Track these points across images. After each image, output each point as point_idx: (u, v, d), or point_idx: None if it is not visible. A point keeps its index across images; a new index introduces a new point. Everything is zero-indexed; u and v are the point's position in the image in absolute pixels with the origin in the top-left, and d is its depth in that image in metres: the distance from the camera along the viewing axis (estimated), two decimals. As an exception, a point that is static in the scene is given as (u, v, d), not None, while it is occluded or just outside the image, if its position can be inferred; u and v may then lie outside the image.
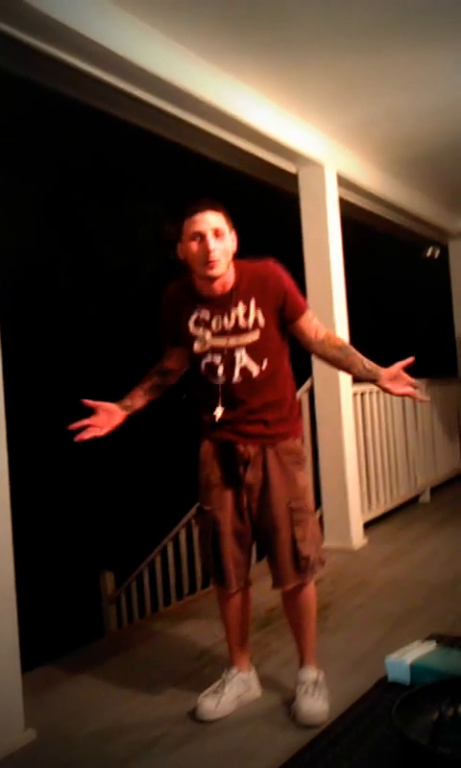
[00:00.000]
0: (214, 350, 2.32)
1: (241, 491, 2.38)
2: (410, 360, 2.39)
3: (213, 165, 4.37)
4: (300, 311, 2.37)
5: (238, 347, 2.31)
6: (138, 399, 2.47)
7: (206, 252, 2.21)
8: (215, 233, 2.23)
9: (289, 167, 4.55)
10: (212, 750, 2.24)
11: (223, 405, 2.33)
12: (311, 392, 4.79)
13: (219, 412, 2.33)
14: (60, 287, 8.81)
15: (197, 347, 2.35)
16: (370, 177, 5.19)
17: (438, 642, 2.64)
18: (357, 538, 4.72)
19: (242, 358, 2.31)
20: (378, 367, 2.41)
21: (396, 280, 8.96)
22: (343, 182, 4.87)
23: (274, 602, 3.62)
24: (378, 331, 7.43)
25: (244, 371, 2.32)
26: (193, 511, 4.40)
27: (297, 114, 4.19)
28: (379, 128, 4.53)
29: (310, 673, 2.48)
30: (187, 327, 2.36)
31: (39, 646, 2.74)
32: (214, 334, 2.32)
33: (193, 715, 2.44)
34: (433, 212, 6.38)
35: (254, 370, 2.32)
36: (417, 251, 7.15)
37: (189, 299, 2.36)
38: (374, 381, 2.40)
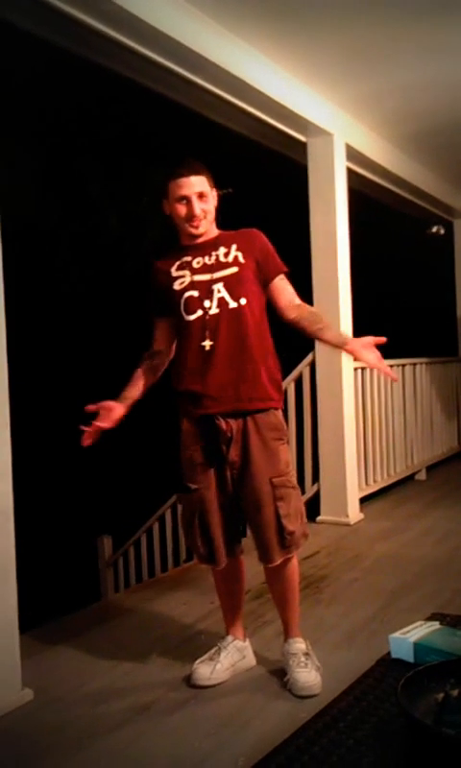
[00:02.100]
0: (194, 285, 2.38)
1: (224, 468, 2.38)
2: (383, 339, 2.44)
3: (222, 132, 4.30)
4: (279, 269, 2.48)
5: (216, 280, 2.37)
6: (135, 389, 2.48)
7: (191, 214, 2.37)
8: (199, 196, 2.37)
9: (298, 136, 4.49)
10: (206, 716, 2.25)
11: (210, 339, 2.34)
12: (313, 366, 4.77)
13: (208, 343, 2.34)
14: (60, 256, 8.73)
15: (177, 286, 2.40)
16: (378, 149, 5.13)
17: (441, 622, 2.63)
18: (354, 512, 4.73)
19: (219, 290, 2.36)
20: (346, 335, 2.59)
21: (399, 256, 8.89)
22: (351, 154, 4.81)
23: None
24: (379, 307, 7.39)
25: (221, 302, 2.36)
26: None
27: (307, 83, 4.12)
28: (390, 100, 4.47)
29: (299, 644, 2.49)
30: (170, 275, 2.43)
31: (37, 608, 2.74)
32: (195, 271, 2.40)
33: (188, 681, 2.45)
34: (440, 189, 6.32)
35: (231, 302, 2.36)
36: (422, 227, 7.09)
37: (175, 256, 2.46)
38: (342, 345, 2.50)
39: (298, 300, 2.52)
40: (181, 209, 2.38)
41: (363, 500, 5.00)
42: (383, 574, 3.62)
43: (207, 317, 2.35)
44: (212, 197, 2.43)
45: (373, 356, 2.43)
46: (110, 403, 2.42)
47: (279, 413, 2.46)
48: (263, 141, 4.57)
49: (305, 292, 4.57)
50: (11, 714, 2.33)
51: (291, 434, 4.82)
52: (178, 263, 2.45)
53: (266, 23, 3.39)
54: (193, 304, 2.38)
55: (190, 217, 2.38)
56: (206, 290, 2.37)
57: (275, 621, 2.98)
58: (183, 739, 2.12)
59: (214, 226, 2.47)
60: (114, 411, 2.40)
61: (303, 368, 4.80)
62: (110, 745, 2.12)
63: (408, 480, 5.98)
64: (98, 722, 2.25)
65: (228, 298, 2.36)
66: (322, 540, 4.28)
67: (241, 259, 2.40)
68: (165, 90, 3.72)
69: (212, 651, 2.53)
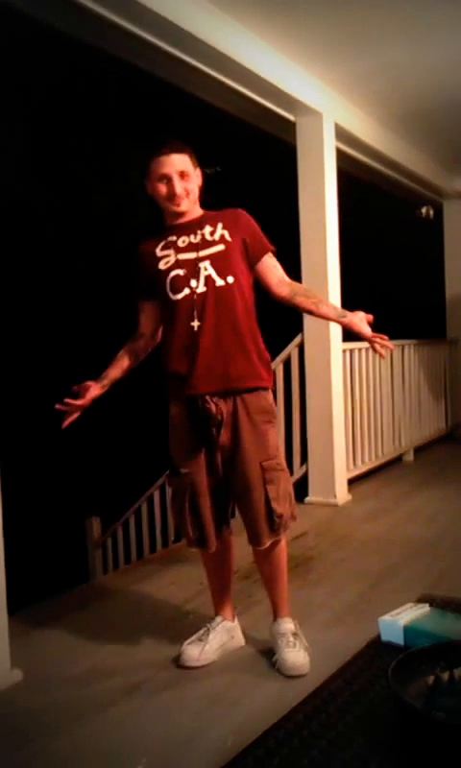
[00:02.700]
0: (180, 264, 2.35)
1: (214, 451, 2.37)
2: (371, 317, 2.50)
3: (211, 111, 4.26)
4: (267, 248, 2.46)
5: (203, 258, 2.34)
6: (115, 370, 2.48)
7: (171, 192, 2.35)
8: (181, 175, 2.34)
9: (288, 115, 4.45)
10: (195, 696, 2.26)
11: (198, 319, 2.32)
12: (301, 347, 4.76)
13: (196, 323, 2.31)
14: (47, 233, 8.64)
15: (162, 265, 2.37)
16: (368, 129, 5.10)
17: (431, 604, 2.64)
18: (341, 494, 4.75)
19: (206, 268, 2.33)
20: (341, 308, 2.59)
21: (388, 237, 8.87)
22: (341, 134, 4.77)
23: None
24: (367, 288, 7.37)
25: (208, 280, 2.33)
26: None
27: (297, 62, 4.08)
28: (381, 80, 4.43)
29: (288, 624, 2.49)
30: (155, 255, 2.40)
31: (26, 589, 2.74)
32: (180, 250, 2.37)
33: (176, 662, 2.46)
34: (429, 170, 6.29)
35: (218, 280, 2.33)
36: (411, 209, 7.07)
37: (160, 237, 2.44)
38: (341, 318, 2.52)
39: (288, 279, 2.50)
40: (163, 188, 2.36)
41: (351, 481, 5.02)
42: (371, 555, 3.65)
43: (195, 296, 2.32)
44: (195, 176, 2.40)
45: (370, 330, 2.48)
46: (88, 383, 2.42)
47: (269, 394, 2.44)
48: (252, 120, 4.53)
49: (294, 273, 4.56)
50: (1, 694, 2.33)
51: (279, 415, 4.83)
52: (162, 243, 2.42)
53: (256, 1, 3.34)
54: (179, 283, 2.34)
55: (171, 196, 2.35)
56: (193, 268, 2.34)
57: (264, 601, 2.98)
58: (172, 719, 2.13)
59: (198, 205, 2.45)
60: (90, 390, 2.40)
61: (291, 349, 4.80)
62: (99, 725, 2.12)
63: (396, 462, 6.01)
64: (87, 702, 2.26)
65: (215, 275, 2.33)
66: (310, 520, 4.30)
67: (228, 237, 2.37)
68: (153, 68, 3.68)
69: (201, 631, 2.53)
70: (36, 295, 8.59)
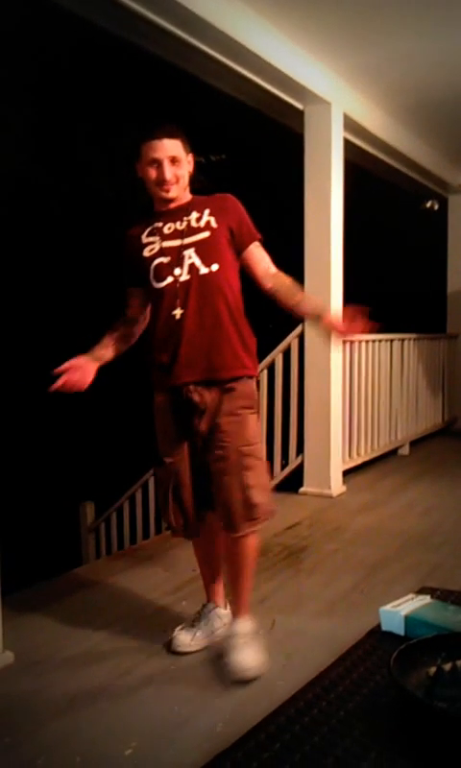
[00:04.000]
0: (164, 252, 2.31)
1: (196, 439, 2.34)
2: (366, 309, 2.37)
3: (219, 97, 4.23)
4: (254, 236, 2.41)
5: (187, 246, 2.30)
6: (108, 350, 2.43)
7: (161, 178, 2.30)
8: (172, 160, 2.30)
9: (296, 103, 4.42)
10: (186, 681, 2.27)
11: (180, 307, 2.27)
12: (301, 338, 4.75)
13: (178, 312, 2.27)
14: (52, 216, 8.60)
15: (147, 253, 2.34)
16: (376, 120, 5.07)
17: (432, 595, 2.66)
18: (336, 485, 4.76)
19: (190, 256, 2.29)
20: (324, 307, 2.53)
21: (391, 230, 8.84)
22: (349, 124, 4.74)
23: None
24: (369, 280, 7.36)
25: (192, 268, 2.28)
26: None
27: (307, 50, 4.05)
28: (390, 71, 4.41)
29: (246, 624, 2.40)
30: (141, 242, 2.37)
31: (18, 573, 2.74)
32: (165, 237, 2.33)
33: (168, 647, 2.47)
34: (436, 164, 6.27)
35: (202, 268, 2.28)
36: (416, 202, 7.05)
37: (147, 223, 2.40)
38: (319, 317, 2.43)
39: (274, 269, 2.45)
40: (152, 173, 2.31)
41: (346, 473, 5.03)
42: (364, 546, 3.65)
43: (178, 284, 2.28)
44: (187, 162, 2.36)
45: (341, 324, 2.36)
46: (81, 361, 2.34)
47: (253, 382, 2.40)
48: (261, 108, 4.50)
49: (297, 262, 4.55)
50: (-8, 675, 2.34)
51: (277, 405, 4.83)
52: (149, 230, 2.38)
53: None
54: (163, 271, 2.31)
55: (160, 181, 2.31)
56: (177, 256, 2.30)
57: (256, 588, 3.00)
58: (163, 704, 2.13)
59: (188, 191, 2.41)
60: (86, 373, 2.32)
61: (291, 339, 4.79)
62: (89, 709, 2.13)
63: (391, 454, 6.01)
64: (78, 686, 2.26)
65: (199, 263, 2.29)
66: (304, 511, 4.31)
67: (214, 224, 2.33)
68: (161, 52, 3.64)
69: (192, 618, 2.54)
70: (36, 278, 8.55)
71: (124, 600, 3.01)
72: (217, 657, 2.40)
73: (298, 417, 4.82)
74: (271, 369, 4.84)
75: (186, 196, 2.40)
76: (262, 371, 4.74)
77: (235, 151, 6.35)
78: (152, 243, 2.35)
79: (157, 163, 2.30)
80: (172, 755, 1.89)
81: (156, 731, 2.00)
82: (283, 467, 4.91)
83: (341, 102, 4.56)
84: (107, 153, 8.17)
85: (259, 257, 2.42)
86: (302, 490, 4.74)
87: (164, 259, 2.30)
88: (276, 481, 4.93)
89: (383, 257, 8.88)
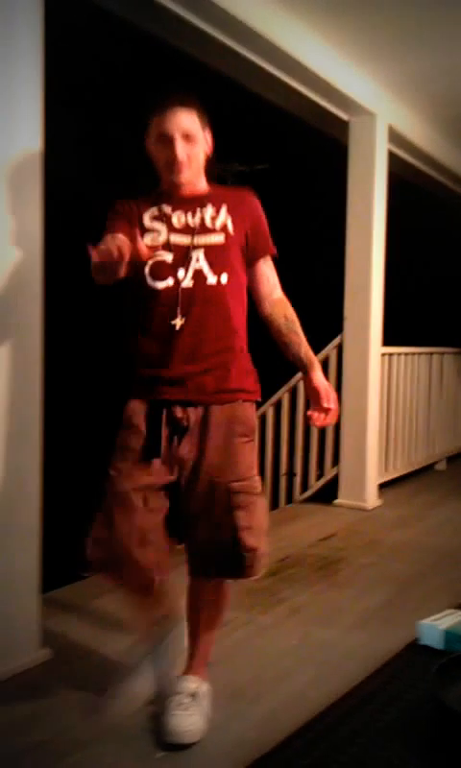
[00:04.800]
0: (170, 247, 1.95)
1: (171, 465, 1.93)
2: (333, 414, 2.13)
3: (266, 106, 4.24)
4: (267, 249, 2.09)
5: (197, 246, 1.95)
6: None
7: (172, 157, 1.93)
8: (185, 137, 1.93)
9: (341, 114, 4.42)
10: (217, 687, 2.22)
11: (181, 316, 1.92)
12: (340, 349, 4.73)
13: (178, 322, 1.91)
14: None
15: (149, 240, 1.93)
16: (421, 133, 5.04)
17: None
18: (372, 498, 4.71)
19: (198, 259, 1.94)
20: (315, 359, 2.13)
21: (435, 244, 8.78)
22: (394, 136, 4.73)
23: (286, 551, 3.65)
24: (409, 295, 7.31)
25: (198, 275, 1.94)
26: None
27: (353, 61, 4.04)
28: (436, 83, 4.38)
29: (193, 683, 2.05)
30: (143, 224, 1.98)
31: (59, 570, 2.75)
32: (174, 230, 1.97)
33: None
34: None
35: (210, 276, 1.94)
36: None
37: (150, 199, 2.03)
38: (304, 372, 2.11)
39: (279, 293, 2.13)
40: (162, 151, 1.94)
41: (382, 486, 4.98)
42: (398, 561, 3.61)
43: (179, 289, 1.92)
44: (203, 140, 1.98)
45: (321, 405, 2.10)
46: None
47: (253, 407, 2.04)
48: (306, 118, 4.50)
49: (338, 274, 4.54)
50: (30, 671, 2.34)
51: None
52: (153, 211, 2.00)
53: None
54: (163, 270, 1.94)
55: (171, 161, 1.93)
56: (183, 256, 1.94)
57: (289, 599, 3.00)
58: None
59: (203, 177, 2.04)
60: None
61: (329, 350, 4.77)
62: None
63: (428, 469, 5.94)
64: (113, 684, 2.25)
65: (207, 271, 1.95)
66: (338, 522, 4.28)
67: (230, 228, 1.99)
68: (208, 59, 3.66)
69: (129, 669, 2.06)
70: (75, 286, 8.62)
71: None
72: (248, 667, 2.39)
73: (335, 427, 4.80)
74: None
75: (202, 183, 2.03)
76: (300, 381, 4.72)
77: (279, 160, 6.40)
78: (156, 231, 1.97)
79: (168, 139, 1.92)
80: (203, 760, 1.88)
81: (186, 736, 1.98)
82: (319, 477, 4.90)
83: (386, 113, 4.55)
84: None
85: (268, 275, 2.11)
86: (337, 501, 4.71)
87: (168, 256, 1.94)
88: (310, 492, 4.93)
89: (425, 272, 8.82)
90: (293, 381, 4.89)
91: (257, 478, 2.00)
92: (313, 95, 4.07)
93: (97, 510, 1.94)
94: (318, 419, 2.12)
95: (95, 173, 7.77)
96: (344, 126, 4.52)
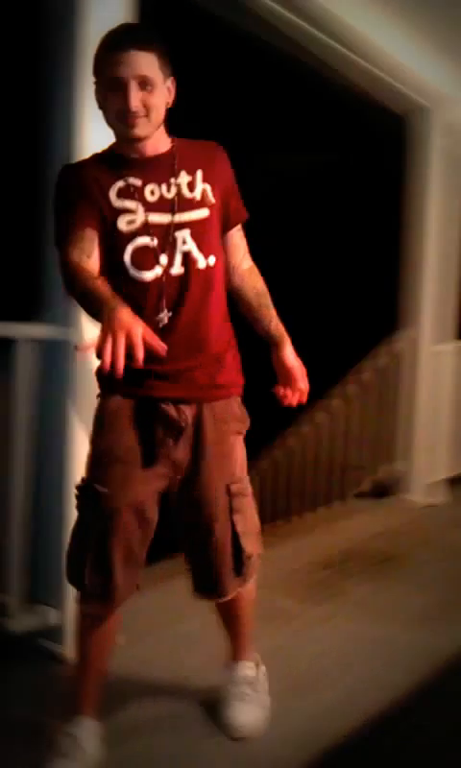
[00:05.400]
0: (150, 229, 1.66)
1: (162, 471, 1.74)
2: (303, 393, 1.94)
3: (344, 94, 4.20)
4: (240, 215, 1.83)
5: (181, 225, 1.68)
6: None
7: (124, 107, 1.60)
8: (141, 82, 1.59)
9: (423, 101, 4.32)
10: (278, 677, 2.23)
11: (167, 309, 1.68)
12: (413, 341, 4.66)
13: (165, 316, 1.67)
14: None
15: (124, 225, 1.66)
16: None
17: None
18: (436, 494, 4.65)
19: (185, 240, 1.68)
20: (285, 334, 1.92)
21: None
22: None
23: (344, 545, 3.65)
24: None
25: (188, 258, 1.68)
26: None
27: (438, 52, 3.97)
28: None
29: (250, 669, 2.03)
30: (110, 203, 1.66)
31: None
32: (150, 207, 1.67)
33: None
34: None
35: (200, 260, 1.70)
36: None
37: (109, 167, 1.69)
38: (274, 347, 1.92)
39: (249, 262, 1.88)
40: (113, 99, 1.61)
41: (451, 482, 4.89)
42: (458, 560, 3.57)
43: (167, 278, 1.67)
44: (164, 88, 1.64)
45: (296, 385, 1.92)
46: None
47: (239, 400, 1.86)
48: (387, 104, 4.43)
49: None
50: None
51: (382, 406, 4.75)
52: (119, 185, 1.67)
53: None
54: (147, 258, 1.66)
55: (122, 112, 1.60)
56: (164, 237, 1.67)
57: (346, 593, 3.00)
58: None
59: (164, 132, 1.72)
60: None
61: (403, 342, 4.70)
62: (192, 693, 2.13)
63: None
64: (180, 669, 2.28)
65: (196, 253, 1.69)
66: (399, 518, 4.25)
67: (211, 197, 1.72)
68: (292, 49, 3.64)
69: (65, 744, 1.77)
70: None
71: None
72: (312, 657, 2.39)
73: (400, 421, 4.74)
74: (378, 370, 4.78)
75: (163, 139, 1.72)
76: (368, 371, 4.70)
77: (349, 150, 6.27)
78: (129, 211, 1.66)
79: (119, 85, 1.59)
80: (263, 749, 1.89)
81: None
82: (382, 471, 4.86)
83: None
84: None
85: (238, 243, 1.85)
86: (399, 496, 4.68)
87: (150, 241, 1.66)
88: (372, 486, 4.87)
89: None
90: (355, 375, 4.84)
91: (247, 477, 1.87)
92: (395, 82, 4.00)
93: (85, 530, 1.72)
94: (291, 398, 1.93)
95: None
96: (423, 115, 4.43)
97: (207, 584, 1.82)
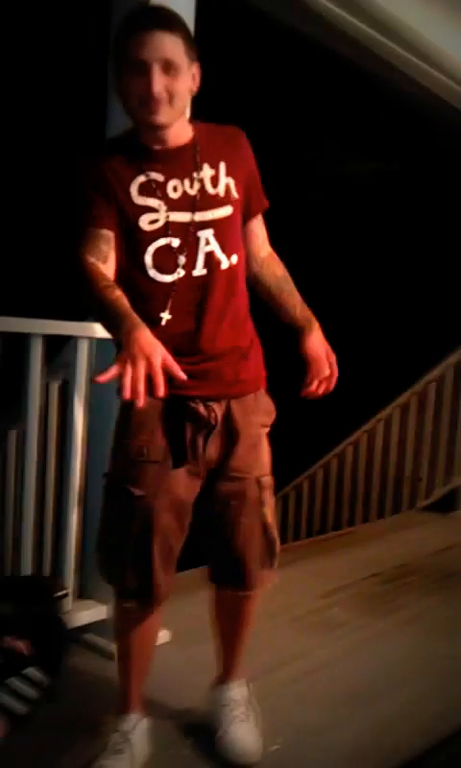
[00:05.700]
0: (172, 229, 1.58)
1: (195, 468, 1.69)
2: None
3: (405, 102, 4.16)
4: (262, 203, 1.75)
5: (204, 225, 1.60)
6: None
7: (147, 90, 1.49)
8: (165, 66, 1.48)
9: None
10: (329, 690, 2.22)
11: (172, 312, 1.59)
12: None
13: (166, 316, 1.59)
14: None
15: (146, 224, 1.57)
16: None
17: None
18: None
19: (208, 240, 1.60)
20: (313, 319, 1.82)
21: None
22: None
23: (402, 559, 3.58)
24: None
25: (210, 259, 1.60)
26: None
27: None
28: None
29: (243, 689, 1.94)
30: (131, 200, 1.57)
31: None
32: (173, 204, 1.58)
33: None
34: None
35: (223, 260, 1.62)
36: None
37: (128, 159, 1.59)
38: (301, 333, 1.81)
39: (268, 248, 1.81)
40: (135, 84, 1.50)
41: None
42: None
43: (189, 280, 1.60)
44: (189, 73, 1.53)
45: (323, 372, 1.82)
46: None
47: (264, 392, 1.79)
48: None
49: None
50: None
51: (444, 420, 4.66)
52: (141, 180, 1.57)
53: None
54: (168, 259, 1.58)
55: (145, 98, 1.49)
56: (185, 237, 1.58)
57: (405, 607, 2.95)
58: (306, 708, 2.11)
59: (186, 120, 1.64)
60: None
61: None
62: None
63: None
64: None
65: (219, 253, 1.61)
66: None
67: (234, 192, 1.64)
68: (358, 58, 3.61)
69: (114, 739, 1.77)
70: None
71: (272, 597, 2.95)
72: (363, 668, 2.35)
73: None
74: (440, 382, 4.69)
75: (185, 128, 1.61)
76: (431, 382, 4.61)
77: (414, 158, 6.20)
78: (152, 210, 1.57)
79: (142, 68, 1.48)
80: (315, 762, 1.86)
81: (299, 733, 1.98)
82: (445, 484, 4.75)
83: None
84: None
85: (257, 232, 1.77)
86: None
87: (173, 241, 1.58)
88: (434, 499, 4.79)
89: None
90: (417, 386, 4.75)
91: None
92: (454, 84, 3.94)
93: (122, 533, 1.68)
94: (318, 389, 1.83)
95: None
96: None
97: (235, 576, 1.79)
